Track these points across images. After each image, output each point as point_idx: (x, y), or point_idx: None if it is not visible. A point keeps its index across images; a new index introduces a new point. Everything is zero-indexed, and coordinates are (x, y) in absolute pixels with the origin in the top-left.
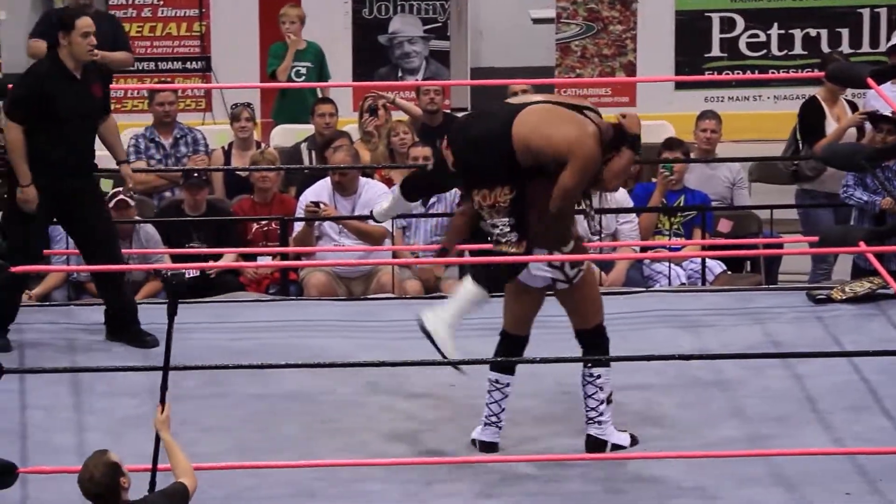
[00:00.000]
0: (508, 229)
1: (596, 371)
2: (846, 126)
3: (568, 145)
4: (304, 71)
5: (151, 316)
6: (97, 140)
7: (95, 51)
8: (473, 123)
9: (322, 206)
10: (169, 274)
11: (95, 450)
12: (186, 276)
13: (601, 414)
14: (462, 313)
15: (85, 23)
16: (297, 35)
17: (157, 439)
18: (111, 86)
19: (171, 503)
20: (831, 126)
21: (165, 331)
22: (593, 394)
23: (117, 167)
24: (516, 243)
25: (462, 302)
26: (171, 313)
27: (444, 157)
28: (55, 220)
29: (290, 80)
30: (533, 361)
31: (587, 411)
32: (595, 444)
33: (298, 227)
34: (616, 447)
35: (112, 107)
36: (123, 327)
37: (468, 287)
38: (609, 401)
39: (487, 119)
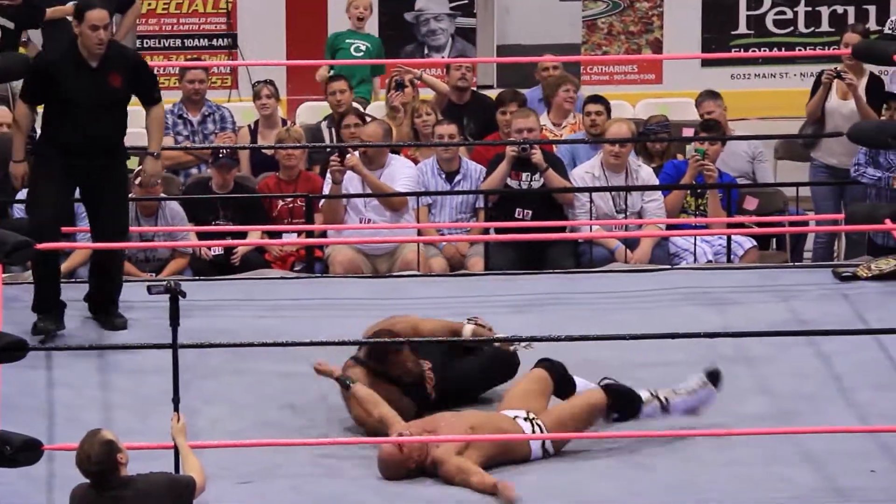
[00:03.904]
0: None
1: None
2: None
3: None
4: (363, 48)
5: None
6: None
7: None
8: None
9: (349, 153)
10: (173, 284)
11: (88, 430)
12: (213, 252)
13: None
14: None
15: (95, 16)
16: (364, 22)
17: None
18: None
19: (173, 488)
20: (832, 100)
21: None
22: None
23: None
24: None
25: None
26: (174, 322)
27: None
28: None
29: (349, 56)
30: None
31: None
32: None
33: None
34: None
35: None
36: (101, 308)
37: None
38: None
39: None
